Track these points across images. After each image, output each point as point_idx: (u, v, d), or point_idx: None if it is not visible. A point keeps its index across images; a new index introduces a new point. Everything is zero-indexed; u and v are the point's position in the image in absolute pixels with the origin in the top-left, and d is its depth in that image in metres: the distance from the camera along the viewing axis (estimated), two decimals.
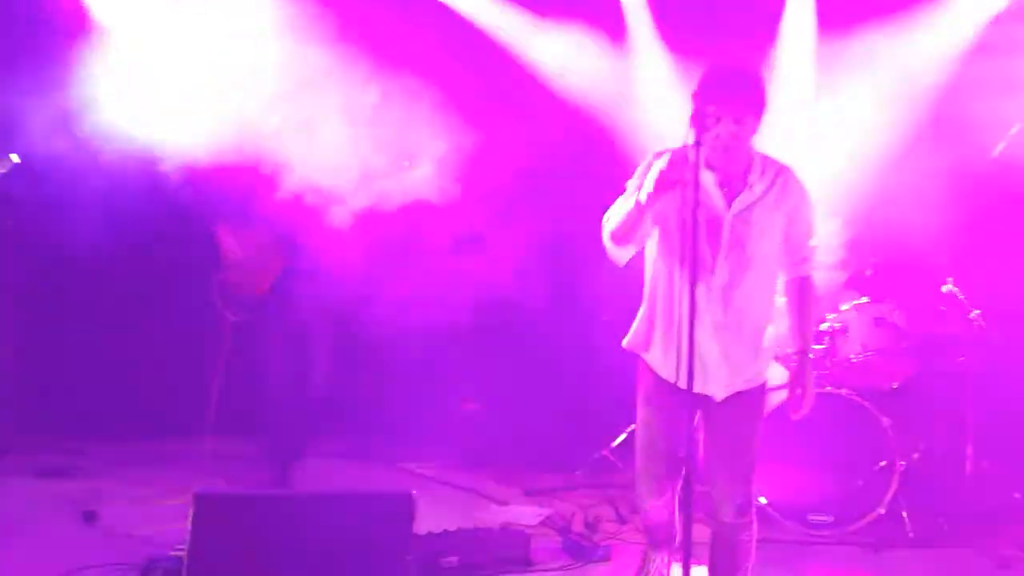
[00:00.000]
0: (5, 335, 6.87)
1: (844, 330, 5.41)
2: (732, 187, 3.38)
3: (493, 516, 5.37)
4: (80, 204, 6.31)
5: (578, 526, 5.19)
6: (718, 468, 3.57)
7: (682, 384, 3.10)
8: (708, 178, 3.32)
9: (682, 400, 3.24)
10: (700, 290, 3.23)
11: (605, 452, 6.11)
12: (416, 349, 6.88)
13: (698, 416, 3.54)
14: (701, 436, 3.60)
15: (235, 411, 5.97)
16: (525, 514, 5.42)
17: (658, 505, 3.70)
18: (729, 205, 3.37)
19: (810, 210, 3.53)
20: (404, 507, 3.88)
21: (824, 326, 5.42)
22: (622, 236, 3.38)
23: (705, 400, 3.49)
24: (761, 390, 3.61)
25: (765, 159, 3.44)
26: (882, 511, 5.03)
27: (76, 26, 6.10)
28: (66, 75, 5.85)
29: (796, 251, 3.54)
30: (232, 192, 5.52)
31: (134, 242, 6.64)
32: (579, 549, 4.79)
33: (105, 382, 6.86)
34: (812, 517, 5.08)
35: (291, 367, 5.74)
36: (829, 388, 5.17)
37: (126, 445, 6.71)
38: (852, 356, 5.38)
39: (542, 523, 5.28)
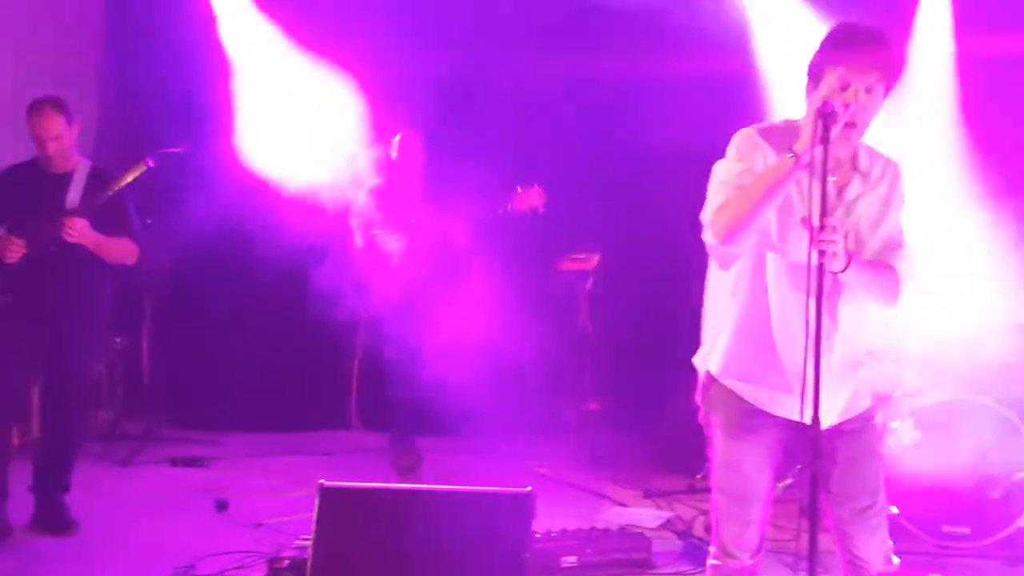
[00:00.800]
0: (144, 328, 7.16)
1: (986, 335, 5.19)
2: (839, 173, 2.91)
3: (613, 517, 5.34)
4: (215, 199, 6.57)
5: (699, 530, 5.12)
6: (844, 513, 3.08)
7: (784, 412, 2.91)
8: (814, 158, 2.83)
9: (781, 431, 3.03)
10: (798, 292, 2.81)
11: None
12: (540, 349, 6.90)
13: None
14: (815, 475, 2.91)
15: (368, 405, 6.10)
16: (645, 516, 5.37)
17: (749, 566, 3.14)
18: (838, 195, 2.91)
19: (906, 211, 3.06)
20: (524, 505, 3.88)
21: (963, 330, 5.21)
22: (747, 221, 2.79)
23: (807, 428, 2.78)
24: (869, 413, 3.12)
25: (871, 149, 3.02)
26: (1021, 524, 4.82)
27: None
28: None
29: (889, 246, 3.01)
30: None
31: (269, 235, 6.83)
32: (700, 553, 4.71)
33: (240, 375, 7.09)
34: (947, 528, 4.89)
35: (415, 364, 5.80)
36: (968, 395, 4.97)
37: (258, 436, 6.92)
38: (994, 361, 5.16)
39: (662, 526, 5.23)
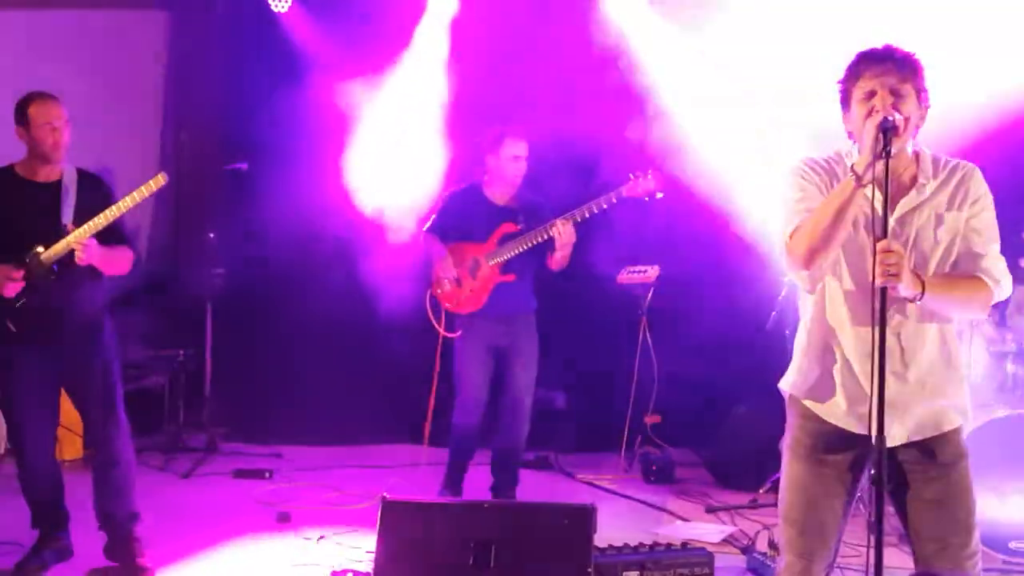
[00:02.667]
0: (207, 341, 7.25)
1: None
2: (895, 187, 2.88)
3: (675, 532, 5.30)
4: (279, 213, 6.66)
5: (762, 545, 5.05)
6: (929, 550, 2.97)
7: (855, 430, 2.88)
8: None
9: (852, 455, 2.99)
10: (861, 311, 2.84)
11: None
12: (599, 360, 6.90)
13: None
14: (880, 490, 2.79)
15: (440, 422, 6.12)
16: (707, 531, 5.32)
17: None
18: (892, 209, 2.89)
19: (991, 214, 2.99)
20: (585, 519, 3.87)
21: None
22: (820, 243, 2.84)
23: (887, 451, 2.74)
24: (957, 444, 3.00)
25: (937, 156, 3.01)
26: None
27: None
28: None
29: (969, 255, 2.96)
30: None
31: (339, 251, 6.91)
32: (764, 569, 4.66)
33: (302, 387, 7.16)
34: (1015, 545, 4.80)
35: (493, 388, 5.68)
36: None
37: (320, 449, 6.98)
38: None
39: (725, 541, 5.18)
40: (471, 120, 6.53)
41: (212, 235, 6.96)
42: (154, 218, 7.15)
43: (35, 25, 6.52)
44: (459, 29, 6.79)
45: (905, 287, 2.78)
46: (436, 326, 5.59)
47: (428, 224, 5.70)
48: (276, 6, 7.06)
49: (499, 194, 5.58)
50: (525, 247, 5.40)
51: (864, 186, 2.80)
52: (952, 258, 2.96)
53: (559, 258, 5.35)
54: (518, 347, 5.57)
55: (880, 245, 2.72)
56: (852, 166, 2.83)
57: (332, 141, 6.83)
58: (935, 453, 2.98)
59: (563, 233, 5.23)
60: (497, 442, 5.71)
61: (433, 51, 6.82)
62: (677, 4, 6.51)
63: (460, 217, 5.60)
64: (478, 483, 5.71)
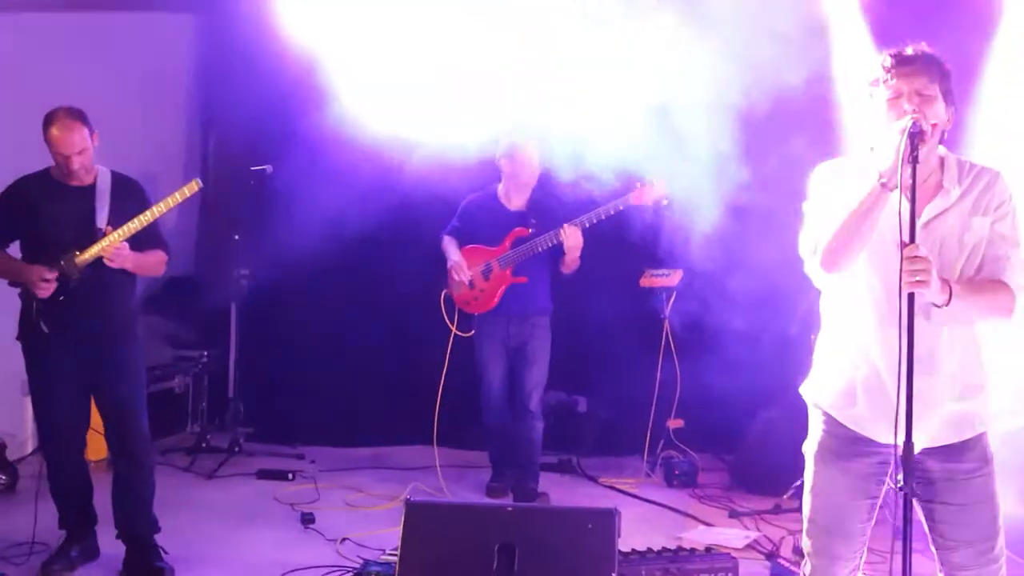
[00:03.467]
0: (231, 343, 7.29)
1: None
2: (920, 192, 2.85)
3: (698, 536, 5.29)
4: (304, 216, 6.66)
5: (787, 551, 5.04)
6: (956, 559, 2.98)
7: (880, 436, 2.88)
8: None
9: (876, 460, 2.98)
10: (891, 316, 2.78)
11: None
12: (622, 364, 6.87)
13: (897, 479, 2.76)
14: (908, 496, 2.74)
15: (457, 421, 6.14)
16: (731, 536, 5.30)
17: None
18: (919, 211, 2.87)
19: (1015, 219, 2.96)
20: (609, 523, 3.86)
21: None
22: (845, 246, 2.86)
23: (908, 455, 2.71)
24: (982, 449, 2.99)
25: (962, 162, 3.00)
26: None
27: None
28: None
29: (995, 260, 2.93)
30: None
31: (359, 253, 6.93)
32: (788, 574, 4.65)
33: (326, 389, 7.19)
34: None
35: (510, 384, 5.93)
36: None
37: (344, 450, 7.00)
38: None
39: (749, 546, 5.16)
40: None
41: (237, 237, 6.99)
42: (179, 220, 7.18)
43: (61, 27, 6.56)
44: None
45: (932, 293, 2.77)
46: (449, 324, 5.84)
47: (447, 228, 6.01)
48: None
49: (513, 199, 5.89)
50: (536, 250, 5.67)
51: (890, 190, 2.79)
52: (977, 262, 2.94)
53: (568, 261, 5.63)
54: (530, 346, 5.83)
55: (907, 251, 2.71)
56: (879, 171, 2.82)
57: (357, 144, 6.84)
58: (961, 459, 2.97)
59: (569, 237, 5.50)
60: (512, 445, 5.98)
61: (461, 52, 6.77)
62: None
63: (476, 222, 5.91)
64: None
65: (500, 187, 5.93)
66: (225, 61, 7.38)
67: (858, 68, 5.99)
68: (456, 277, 5.80)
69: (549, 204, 5.82)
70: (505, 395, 5.93)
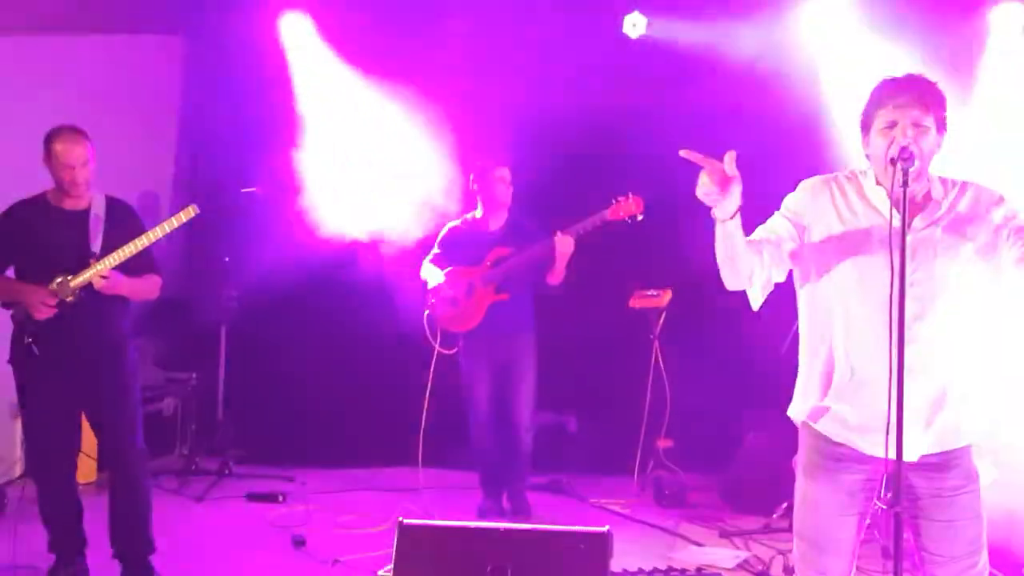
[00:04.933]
0: (219, 365, 7.27)
1: None
2: (910, 207, 2.87)
3: (689, 557, 5.29)
4: (290, 237, 6.69)
5: (777, 571, 5.04)
6: (935, 560, 3.00)
7: (869, 450, 2.89)
8: (878, 195, 2.96)
9: (863, 473, 2.98)
10: (879, 327, 2.81)
11: None
12: (611, 384, 6.90)
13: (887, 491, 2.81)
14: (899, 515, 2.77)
15: (442, 441, 6.15)
16: (722, 556, 5.31)
17: None
18: (908, 228, 2.88)
19: (1012, 203, 2.99)
20: (601, 544, 3.86)
21: None
22: (727, 272, 3.02)
23: (896, 466, 2.73)
24: (967, 464, 3.01)
25: (944, 179, 3.03)
26: None
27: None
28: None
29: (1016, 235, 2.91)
30: None
31: (352, 275, 6.94)
32: None
33: (315, 410, 7.18)
34: None
35: (498, 401, 5.96)
36: None
37: (334, 472, 6.98)
38: None
39: (739, 566, 5.16)
40: (466, 146, 6.60)
41: (227, 259, 7.00)
42: (168, 242, 7.17)
43: (50, 50, 6.57)
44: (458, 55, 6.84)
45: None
46: (432, 342, 5.89)
47: (429, 255, 6.10)
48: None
49: (491, 220, 5.99)
50: (520, 265, 5.75)
51: (723, 222, 2.90)
52: (971, 273, 2.97)
53: (557, 270, 5.68)
54: (515, 363, 5.90)
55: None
56: (712, 210, 2.89)
57: (341, 164, 6.90)
58: (946, 475, 2.98)
59: (562, 243, 5.59)
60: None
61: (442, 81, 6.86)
62: None
63: (457, 246, 5.99)
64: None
65: (477, 212, 6.04)
66: (214, 83, 7.41)
67: (850, 92, 6.07)
68: (436, 294, 5.88)
69: (526, 223, 5.96)
70: (494, 414, 5.95)
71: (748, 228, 3.01)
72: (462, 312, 5.87)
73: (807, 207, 3.07)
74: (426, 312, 5.94)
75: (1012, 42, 6.15)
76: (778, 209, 3.15)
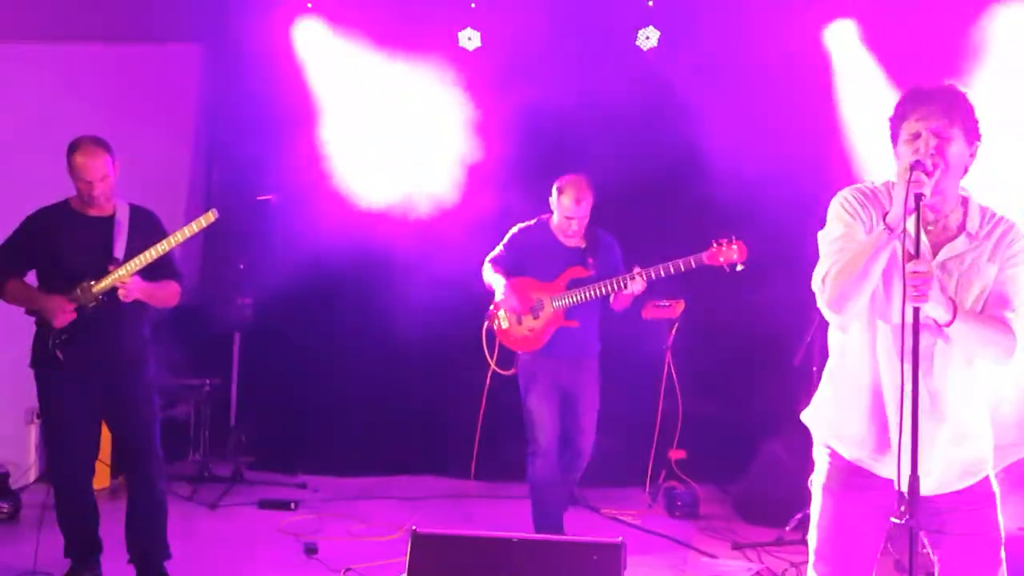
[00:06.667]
0: (233, 371, 7.29)
1: None
2: (940, 232, 2.93)
3: (702, 569, 5.29)
4: (306, 245, 6.71)
5: None
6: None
7: (885, 472, 2.89)
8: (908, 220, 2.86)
9: (880, 495, 2.94)
10: (893, 357, 2.83)
11: None
12: (624, 395, 6.88)
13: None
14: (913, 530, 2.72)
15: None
16: (735, 568, 5.30)
17: None
18: (935, 252, 2.91)
19: (1015, 269, 2.94)
20: (614, 555, 3.86)
21: None
22: (852, 291, 2.86)
23: (911, 480, 2.71)
24: (986, 486, 3.01)
25: (984, 208, 3.00)
26: None
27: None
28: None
29: (1000, 303, 2.91)
30: None
31: (365, 283, 6.96)
32: None
33: (329, 418, 7.19)
34: None
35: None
36: None
37: (346, 480, 6.99)
38: None
39: None
40: (496, 155, 6.62)
41: (241, 266, 7.02)
42: (184, 248, 7.19)
43: (68, 58, 6.62)
44: (486, 63, 6.87)
45: (934, 306, 2.77)
46: (489, 360, 5.56)
47: (492, 254, 5.59)
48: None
49: (569, 234, 5.46)
50: (594, 295, 5.33)
51: (896, 237, 2.79)
52: (984, 306, 2.93)
53: (622, 302, 5.35)
54: (580, 390, 5.49)
55: (909, 265, 2.71)
56: (884, 217, 2.82)
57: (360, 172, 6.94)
58: (964, 497, 2.97)
59: (635, 283, 5.18)
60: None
61: (457, 83, 6.89)
62: None
63: (528, 254, 5.51)
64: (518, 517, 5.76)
65: (553, 219, 5.49)
66: (231, 91, 7.44)
67: (870, 103, 6.09)
68: (504, 308, 5.44)
69: (604, 243, 5.53)
70: (560, 438, 5.48)
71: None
72: (525, 331, 5.45)
73: (853, 230, 2.98)
74: (485, 325, 5.60)
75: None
76: (820, 225, 3.09)
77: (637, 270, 5.19)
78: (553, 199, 5.43)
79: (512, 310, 5.42)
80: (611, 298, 5.35)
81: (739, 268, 5.12)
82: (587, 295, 5.34)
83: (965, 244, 2.94)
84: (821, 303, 2.99)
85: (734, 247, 5.09)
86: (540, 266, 5.46)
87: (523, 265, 5.48)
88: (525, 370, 5.47)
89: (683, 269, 5.17)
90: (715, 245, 5.13)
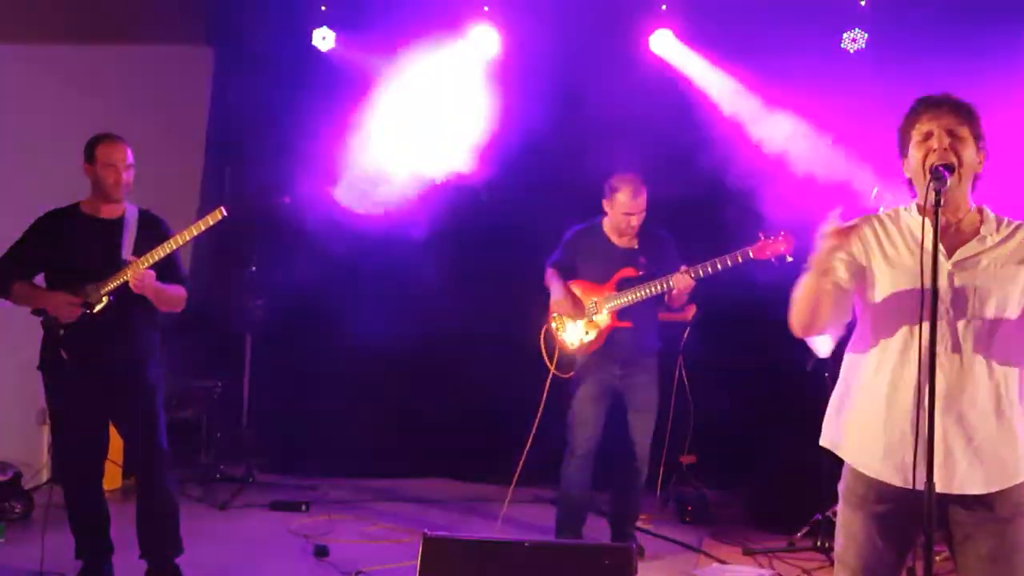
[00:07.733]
0: (245, 373, 7.30)
1: None
2: (954, 235, 2.93)
3: (712, 574, 5.27)
4: (320, 246, 6.72)
5: None
6: None
7: (900, 481, 2.85)
8: (919, 224, 2.87)
9: (900, 503, 2.89)
10: (915, 356, 2.81)
11: (829, 514, 5.87)
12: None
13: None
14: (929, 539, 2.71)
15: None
16: (746, 574, 5.28)
17: None
18: (949, 255, 2.90)
19: None
20: (626, 560, 3.85)
21: None
22: (810, 321, 2.98)
23: (940, 504, 2.71)
24: (1016, 491, 2.90)
25: (1000, 217, 3.00)
26: None
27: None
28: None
29: None
30: None
31: (378, 285, 6.96)
32: None
33: (340, 420, 7.19)
34: None
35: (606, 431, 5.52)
36: None
37: (358, 482, 7.00)
38: None
39: None
40: (512, 158, 6.62)
41: (254, 267, 7.03)
42: (195, 249, 7.22)
43: (80, 59, 6.63)
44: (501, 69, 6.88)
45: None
46: (547, 363, 5.51)
47: (551, 260, 5.62)
48: (320, 45, 7.20)
49: (621, 236, 5.46)
50: (643, 295, 5.33)
51: (823, 274, 2.89)
52: (1015, 306, 2.90)
53: (676, 299, 5.34)
54: (634, 390, 5.46)
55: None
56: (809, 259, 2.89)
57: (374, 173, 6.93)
58: (993, 507, 2.90)
59: (679, 282, 5.18)
60: (614, 492, 5.64)
61: (474, 85, 6.89)
62: None
63: (580, 256, 5.54)
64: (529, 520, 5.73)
65: (606, 222, 5.49)
66: (243, 93, 7.46)
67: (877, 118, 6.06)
68: (558, 311, 5.45)
69: (658, 240, 5.50)
70: (598, 443, 5.46)
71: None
72: (583, 333, 5.45)
73: (858, 248, 3.01)
74: (544, 328, 5.56)
75: None
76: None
77: (684, 268, 5.20)
78: (607, 199, 5.42)
79: (565, 313, 5.46)
80: (665, 296, 5.35)
81: (788, 260, 5.03)
82: (637, 295, 5.34)
83: (979, 246, 2.94)
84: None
85: (781, 238, 5.05)
86: (593, 268, 5.49)
87: (577, 267, 5.53)
88: (578, 371, 5.47)
89: (730, 264, 5.13)
90: (763, 238, 5.09)
